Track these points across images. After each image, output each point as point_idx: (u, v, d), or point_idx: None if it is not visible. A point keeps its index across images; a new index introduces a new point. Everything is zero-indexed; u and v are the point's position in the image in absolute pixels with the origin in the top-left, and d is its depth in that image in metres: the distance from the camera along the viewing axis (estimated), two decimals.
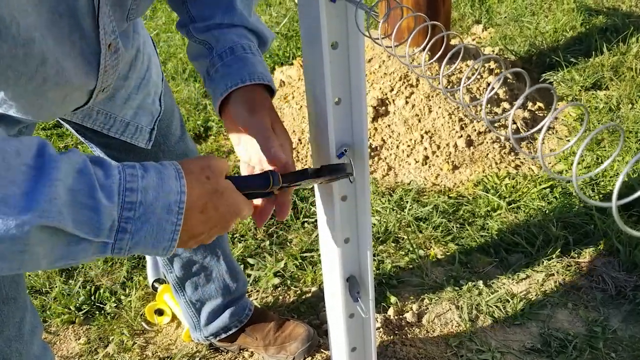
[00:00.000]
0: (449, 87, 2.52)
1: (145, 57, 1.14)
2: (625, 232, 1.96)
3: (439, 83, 0.59)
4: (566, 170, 2.29)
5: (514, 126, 2.50)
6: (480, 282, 1.87)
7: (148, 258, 1.98)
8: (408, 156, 2.42)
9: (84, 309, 1.87)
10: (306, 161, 2.48)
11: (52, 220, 0.58)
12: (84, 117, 1.05)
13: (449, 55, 0.53)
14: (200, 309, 1.61)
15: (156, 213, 0.65)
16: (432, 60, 0.65)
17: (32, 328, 1.06)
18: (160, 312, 1.82)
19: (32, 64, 0.73)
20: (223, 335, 1.65)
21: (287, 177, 0.84)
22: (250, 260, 2.00)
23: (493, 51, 3.07)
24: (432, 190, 2.28)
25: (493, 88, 0.56)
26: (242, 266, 1.94)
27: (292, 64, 3.10)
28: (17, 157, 0.58)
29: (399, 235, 2.07)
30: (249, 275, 1.94)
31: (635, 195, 0.37)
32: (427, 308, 1.82)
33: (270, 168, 0.87)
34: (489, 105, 2.54)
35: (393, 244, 2.04)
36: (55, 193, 0.58)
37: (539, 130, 0.47)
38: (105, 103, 1.07)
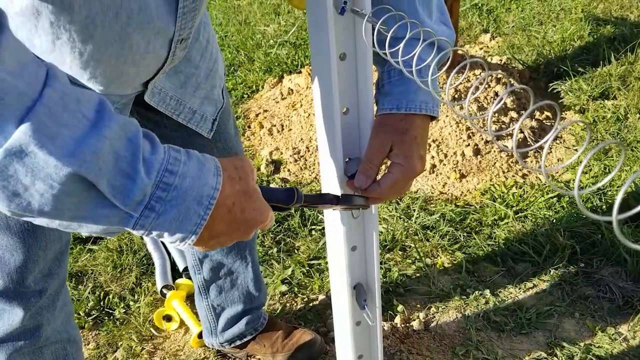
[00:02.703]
0: (455, 96, 2.53)
1: (214, 51, 1.20)
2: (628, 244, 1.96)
3: (445, 95, 0.60)
4: (573, 180, 2.29)
5: (521, 135, 2.50)
6: (487, 291, 1.87)
7: (157, 264, 2.00)
8: None
9: (93, 314, 1.89)
10: (314, 169, 2.49)
11: (90, 173, 0.60)
12: (159, 101, 1.09)
13: (454, 71, 0.55)
14: (220, 314, 1.63)
15: (187, 201, 0.66)
16: (438, 74, 0.66)
17: (62, 306, 1.16)
18: (168, 318, 1.84)
19: None
20: (238, 342, 1.67)
21: (308, 198, 0.87)
22: None
23: (501, 60, 3.08)
24: (439, 199, 2.29)
25: (501, 100, 0.56)
26: None
27: (300, 72, 3.12)
28: (76, 103, 0.60)
29: (406, 244, 2.07)
30: None
31: (636, 210, 0.38)
32: (434, 316, 1.82)
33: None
34: (495, 115, 2.55)
35: (400, 252, 2.04)
36: (101, 149, 0.60)
37: (542, 141, 0.49)
38: (178, 89, 1.12)
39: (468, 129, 2.47)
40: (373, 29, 0.77)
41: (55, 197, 0.60)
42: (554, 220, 2.11)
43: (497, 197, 2.25)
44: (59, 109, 0.58)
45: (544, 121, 2.62)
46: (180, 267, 2.00)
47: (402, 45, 0.67)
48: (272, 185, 2.40)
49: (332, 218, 1.03)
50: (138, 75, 0.94)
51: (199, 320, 1.74)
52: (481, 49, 3.33)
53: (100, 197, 0.62)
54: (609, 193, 2.20)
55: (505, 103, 2.57)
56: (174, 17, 0.86)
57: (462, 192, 2.33)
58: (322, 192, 1.03)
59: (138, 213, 0.65)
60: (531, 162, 2.47)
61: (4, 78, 0.55)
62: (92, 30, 0.78)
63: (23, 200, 0.60)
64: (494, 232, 2.10)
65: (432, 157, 2.43)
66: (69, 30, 0.76)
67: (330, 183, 0.99)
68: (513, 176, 2.37)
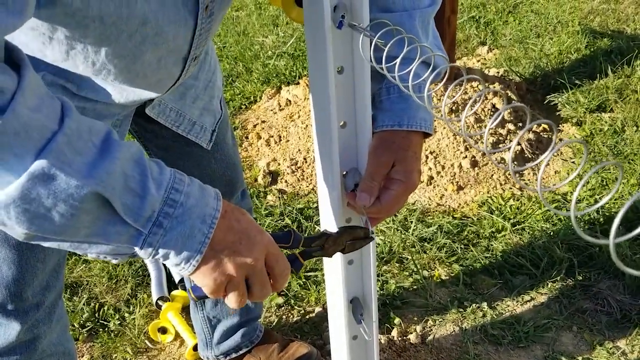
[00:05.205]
0: (453, 108, 2.54)
1: (212, 62, 1.21)
2: (630, 255, 1.95)
3: (442, 110, 0.60)
4: (570, 193, 2.29)
5: (519, 148, 2.50)
6: (485, 304, 1.86)
7: (152, 275, 1.99)
8: None
9: (88, 326, 1.87)
10: (311, 180, 2.49)
11: (106, 191, 0.65)
12: (159, 112, 1.11)
13: (451, 86, 0.55)
14: (215, 326, 1.61)
15: (192, 218, 0.71)
16: (436, 88, 0.66)
17: (58, 318, 1.16)
18: (163, 330, 1.83)
19: (133, 23, 0.77)
20: (233, 355, 1.65)
21: (308, 239, 0.89)
22: None
23: (498, 72, 3.09)
24: (436, 211, 2.29)
25: (496, 119, 0.56)
26: None
27: (298, 83, 3.13)
28: (88, 133, 0.66)
29: (403, 256, 2.07)
30: None
31: (634, 234, 0.38)
32: (431, 329, 1.81)
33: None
34: (493, 127, 2.55)
35: (397, 264, 2.04)
36: (113, 169, 0.65)
37: (538, 160, 0.48)
38: (177, 101, 1.13)
39: (465, 140, 2.47)
40: (371, 44, 0.77)
41: (74, 216, 0.64)
42: (552, 233, 2.10)
43: (494, 209, 2.25)
44: (75, 137, 0.64)
45: (541, 134, 2.62)
46: (176, 279, 1.99)
47: (399, 60, 0.67)
48: (269, 197, 2.40)
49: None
50: (149, 87, 0.95)
51: (194, 333, 1.73)
52: (478, 61, 3.34)
53: (113, 214, 0.67)
54: (607, 206, 2.20)
55: (502, 115, 2.57)
56: (190, 39, 0.88)
57: (460, 204, 2.33)
58: (319, 206, 1.02)
59: (147, 230, 0.69)
60: (528, 174, 2.47)
61: (29, 114, 0.61)
62: (106, 45, 0.80)
63: (44, 221, 0.64)
64: (492, 245, 2.09)
65: (430, 168, 2.43)
66: (83, 42, 0.79)
67: (328, 196, 0.99)
68: (510, 188, 2.36)
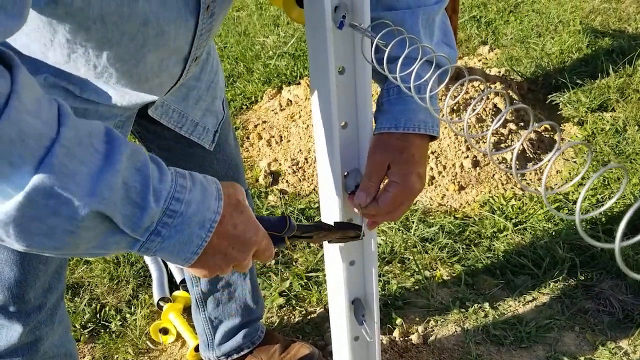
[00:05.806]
0: (454, 107, 2.53)
1: (214, 63, 1.21)
2: (634, 258, 1.95)
3: (444, 111, 0.59)
4: (572, 192, 2.29)
5: (520, 147, 2.50)
6: (487, 304, 1.86)
7: (154, 276, 1.98)
8: None
9: (89, 327, 1.87)
10: (312, 180, 2.49)
11: (108, 208, 0.62)
12: (162, 113, 1.11)
13: (453, 88, 0.54)
14: (217, 327, 1.61)
15: (191, 226, 0.70)
16: (437, 89, 0.66)
17: (60, 320, 1.16)
18: (165, 331, 1.82)
19: (134, 23, 0.77)
20: (235, 356, 1.65)
21: (302, 227, 0.88)
22: None
23: (499, 72, 3.08)
24: (438, 211, 2.28)
25: (499, 120, 0.56)
26: None
27: (299, 83, 3.12)
28: (88, 137, 0.62)
29: (405, 256, 2.06)
30: None
31: (638, 238, 0.38)
32: (433, 330, 1.81)
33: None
34: (495, 128, 2.54)
35: (399, 265, 2.03)
36: (115, 184, 0.62)
37: (542, 162, 0.48)
38: (180, 102, 1.13)
39: (467, 141, 2.47)
40: (372, 44, 0.76)
41: (74, 233, 0.62)
42: (554, 233, 2.10)
43: (496, 209, 2.25)
44: (74, 145, 0.60)
45: (542, 133, 2.62)
46: (178, 280, 1.99)
47: (400, 61, 0.67)
48: (270, 197, 2.40)
49: None
50: (150, 89, 0.96)
51: (196, 333, 1.72)
52: (480, 60, 3.34)
53: (112, 227, 0.65)
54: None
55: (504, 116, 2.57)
56: (191, 39, 0.88)
57: (461, 204, 2.32)
58: (321, 206, 1.02)
59: (145, 238, 0.68)
60: (530, 173, 2.47)
61: (25, 119, 0.57)
62: (108, 48, 0.80)
63: (44, 239, 0.62)
64: (493, 245, 2.09)
65: (431, 168, 2.42)
66: (85, 46, 0.79)
67: (329, 196, 0.99)
68: (512, 188, 2.36)
